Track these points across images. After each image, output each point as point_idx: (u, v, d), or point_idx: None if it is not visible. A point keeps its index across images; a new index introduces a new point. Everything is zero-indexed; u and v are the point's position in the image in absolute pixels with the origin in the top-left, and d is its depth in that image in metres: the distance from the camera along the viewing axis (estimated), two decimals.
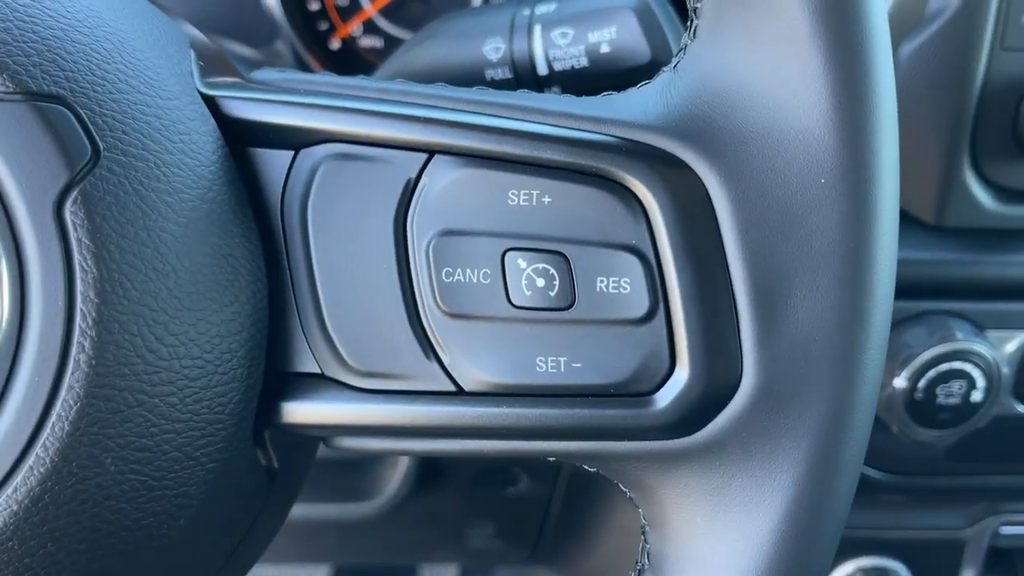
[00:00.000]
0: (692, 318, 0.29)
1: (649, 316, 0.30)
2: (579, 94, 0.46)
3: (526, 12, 0.46)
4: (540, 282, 0.30)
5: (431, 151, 0.31)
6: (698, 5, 0.31)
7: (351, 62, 0.65)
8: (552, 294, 0.30)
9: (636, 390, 0.30)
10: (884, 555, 0.69)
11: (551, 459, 0.33)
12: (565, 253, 0.30)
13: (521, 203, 0.30)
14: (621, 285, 0.30)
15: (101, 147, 0.28)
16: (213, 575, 0.34)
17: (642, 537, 0.33)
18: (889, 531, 0.68)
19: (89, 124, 0.28)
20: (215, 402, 0.30)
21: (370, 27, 0.65)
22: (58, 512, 0.28)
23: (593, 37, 0.44)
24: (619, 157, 0.30)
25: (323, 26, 0.65)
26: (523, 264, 0.30)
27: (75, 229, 0.27)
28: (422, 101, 0.32)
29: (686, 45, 0.32)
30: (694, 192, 0.30)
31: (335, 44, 0.65)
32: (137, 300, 0.28)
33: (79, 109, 0.28)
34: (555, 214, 0.30)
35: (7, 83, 0.27)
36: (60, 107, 0.28)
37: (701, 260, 0.29)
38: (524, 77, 0.46)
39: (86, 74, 0.29)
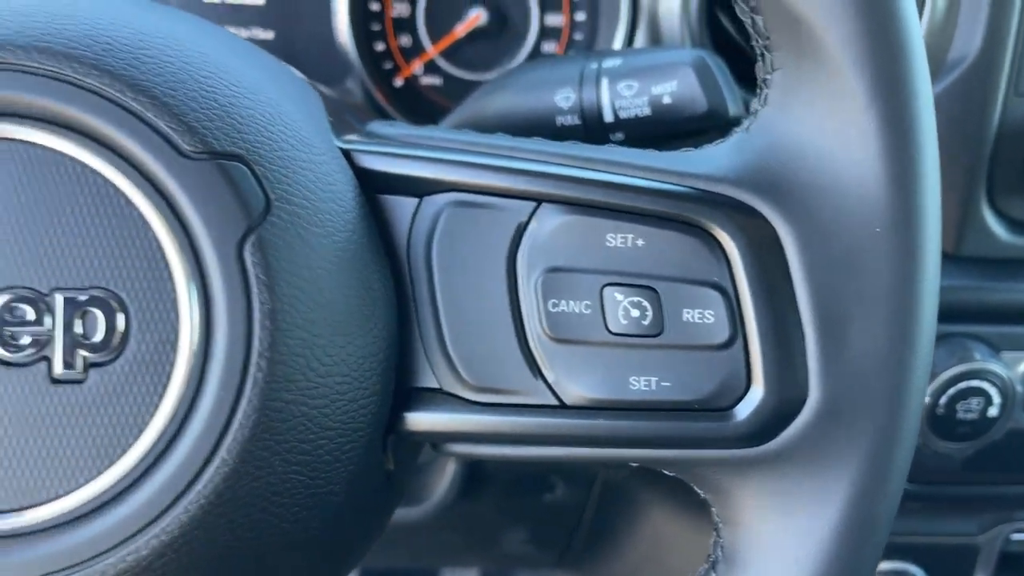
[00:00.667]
0: (766, 344, 0.35)
1: (729, 343, 0.35)
2: (642, 139, 0.52)
3: (593, 66, 0.51)
4: (635, 312, 0.35)
5: (539, 200, 0.36)
6: (768, 77, 0.36)
7: (413, 99, 0.71)
8: (645, 323, 0.35)
9: (717, 405, 0.35)
10: (903, 559, 0.74)
11: (633, 464, 0.38)
12: (656, 288, 0.35)
13: (618, 245, 0.36)
14: (705, 316, 0.35)
15: (272, 198, 0.33)
16: (336, 571, 0.40)
17: (714, 533, 0.38)
18: (908, 536, 0.73)
19: (262, 179, 0.33)
20: (358, 412, 0.35)
21: (431, 67, 0.71)
22: (236, 506, 0.33)
23: (656, 89, 0.49)
24: (702, 206, 0.35)
25: (387, 65, 0.70)
26: (620, 297, 0.36)
27: (253, 268, 0.32)
28: (530, 156, 0.37)
29: (756, 111, 0.37)
30: (766, 237, 0.35)
31: (398, 82, 0.70)
32: (302, 327, 0.33)
33: (254, 166, 0.33)
34: (647, 254, 0.36)
35: (196, 143, 0.33)
36: (239, 164, 0.33)
37: (773, 295, 0.35)
38: (591, 124, 0.51)
39: (256, 135, 0.34)
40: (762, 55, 0.36)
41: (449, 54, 0.71)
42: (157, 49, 0.34)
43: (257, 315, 0.32)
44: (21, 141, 0.32)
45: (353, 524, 0.38)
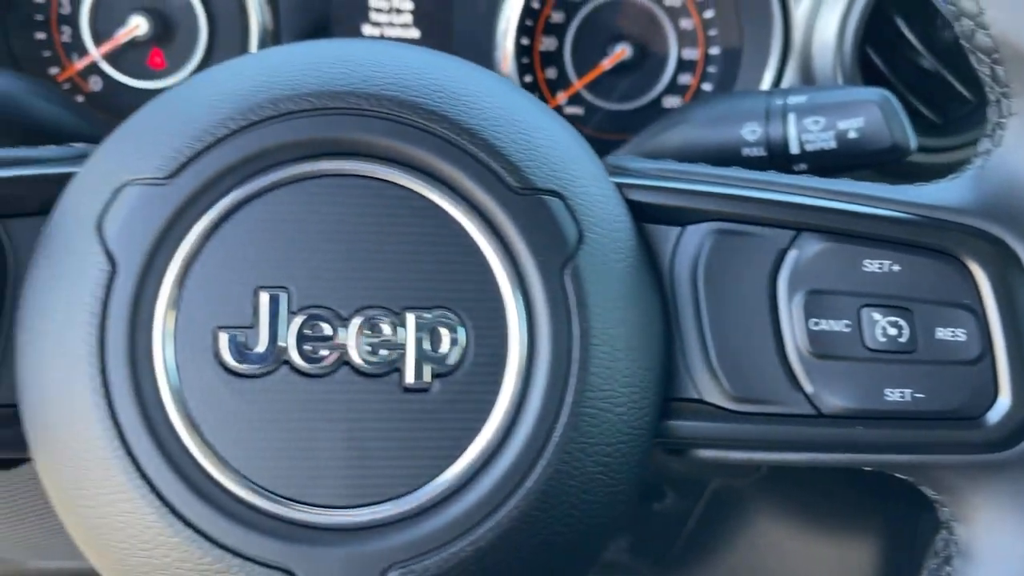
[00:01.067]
0: (1013, 360, 0.39)
1: (979, 359, 0.39)
2: (823, 169, 0.56)
3: (779, 102, 0.55)
4: (892, 331, 0.40)
5: (800, 228, 0.40)
6: (1003, 120, 0.40)
7: None
8: (901, 340, 0.39)
9: (967, 415, 0.39)
10: None
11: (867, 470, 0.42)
12: (911, 308, 0.40)
13: (875, 270, 0.40)
14: (957, 334, 0.39)
15: (583, 229, 0.37)
16: (596, 562, 0.43)
17: (946, 531, 0.42)
18: None
19: (574, 211, 0.37)
20: (643, 420, 0.39)
21: (574, 98, 0.75)
22: (556, 502, 0.37)
23: (842, 125, 0.53)
24: (951, 235, 0.40)
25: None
26: (877, 317, 0.40)
27: (571, 290, 0.37)
28: (784, 189, 0.41)
29: (990, 150, 0.41)
30: (1010, 262, 0.39)
31: None
32: (607, 342, 0.37)
33: (567, 200, 0.37)
34: (902, 279, 0.40)
35: (520, 180, 0.37)
36: (557, 199, 0.37)
37: (1018, 315, 0.39)
38: (776, 155, 0.55)
39: (564, 172, 0.38)
40: (998, 101, 0.41)
41: (590, 85, 0.75)
42: (477, 96, 0.38)
43: (576, 332, 0.36)
44: (374, 178, 0.36)
45: (623, 520, 0.42)
